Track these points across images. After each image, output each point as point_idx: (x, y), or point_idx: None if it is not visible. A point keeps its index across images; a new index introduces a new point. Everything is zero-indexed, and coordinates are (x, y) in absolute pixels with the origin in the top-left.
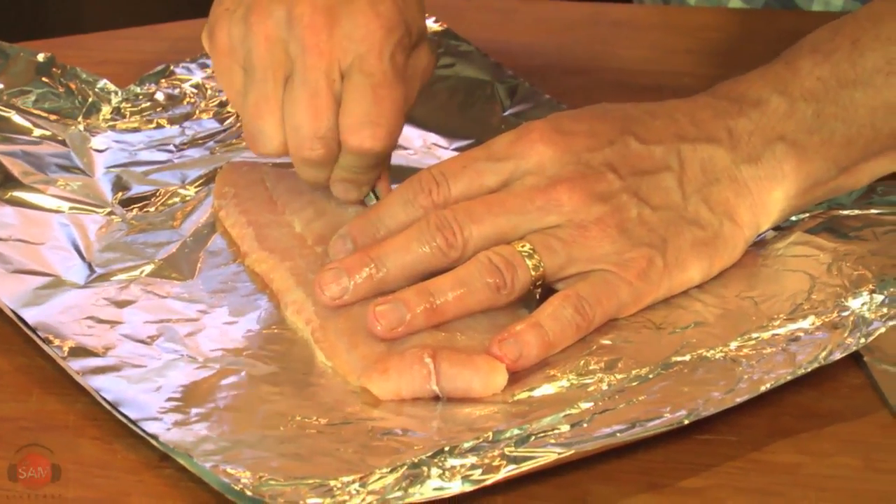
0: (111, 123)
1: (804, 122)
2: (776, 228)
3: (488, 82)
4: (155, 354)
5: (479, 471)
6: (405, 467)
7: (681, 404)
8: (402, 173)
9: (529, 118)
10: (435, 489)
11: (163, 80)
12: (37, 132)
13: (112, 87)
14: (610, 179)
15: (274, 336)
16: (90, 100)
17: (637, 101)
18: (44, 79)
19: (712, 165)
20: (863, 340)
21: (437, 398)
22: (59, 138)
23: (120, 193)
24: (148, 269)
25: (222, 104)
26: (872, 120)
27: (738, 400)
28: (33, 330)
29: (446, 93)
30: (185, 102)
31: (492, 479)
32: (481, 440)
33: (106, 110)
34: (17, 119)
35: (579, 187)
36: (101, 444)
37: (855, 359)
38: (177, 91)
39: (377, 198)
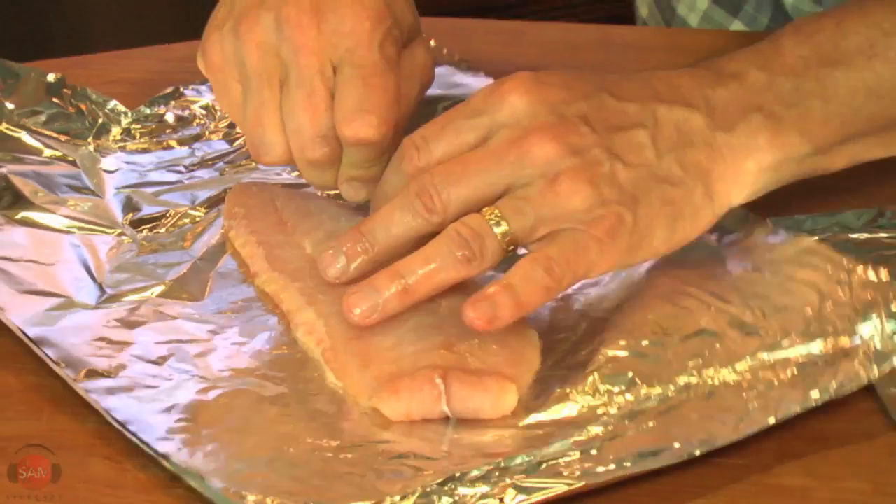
0: (121, 144)
1: (782, 96)
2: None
3: None
4: (166, 375)
5: (490, 500)
6: (416, 495)
7: (691, 434)
8: None
9: None
10: None
11: (172, 102)
12: (47, 152)
13: (122, 108)
14: (583, 132)
15: (284, 357)
16: (100, 121)
17: None
18: (54, 99)
19: (687, 128)
20: (874, 373)
21: (447, 420)
22: (70, 159)
23: (130, 214)
24: (158, 290)
25: (232, 125)
26: (852, 101)
27: (748, 431)
28: (45, 351)
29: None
30: (194, 124)
31: None
32: (492, 467)
33: (116, 131)
34: (28, 139)
35: (551, 136)
36: (112, 464)
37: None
38: (186, 112)
39: None
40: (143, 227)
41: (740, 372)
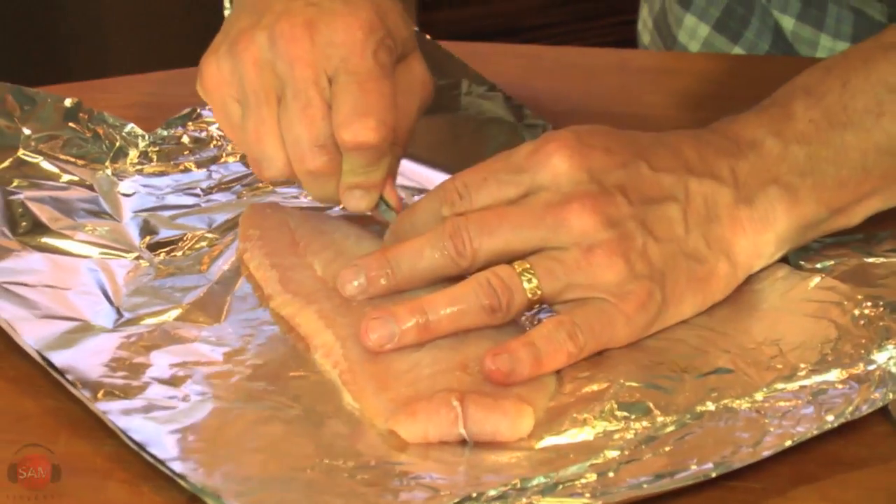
0: (138, 167)
1: (796, 165)
2: (800, 268)
3: (513, 126)
4: (182, 396)
5: None
6: None
7: (707, 457)
8: None
9: None
10: None
11: (189, 124)
12: (65, 178)
13: (139, 131)
14: (619, 203)
15: (301, 379)
16: (117, 144)
17: None
18: (71, 124)
19: (714, 202)
20: (890, 396)
21: (463, 443)
22: (87, 183)
23: (147, 238)
24: (175, 313)
25: None
26: (863, 162)
27: (765, 454)
28: (62, 373)
29: (471, 136)
30: (211, 146)
31: None
32: (508, 487)
33: (133, 154)
34: (45, 165)
35: (589, 207)
36: (129, 487)
37: (880, 409)
38: (203, 134)
39: (388, 206)
40: (160, 250)
41: (757, 401)
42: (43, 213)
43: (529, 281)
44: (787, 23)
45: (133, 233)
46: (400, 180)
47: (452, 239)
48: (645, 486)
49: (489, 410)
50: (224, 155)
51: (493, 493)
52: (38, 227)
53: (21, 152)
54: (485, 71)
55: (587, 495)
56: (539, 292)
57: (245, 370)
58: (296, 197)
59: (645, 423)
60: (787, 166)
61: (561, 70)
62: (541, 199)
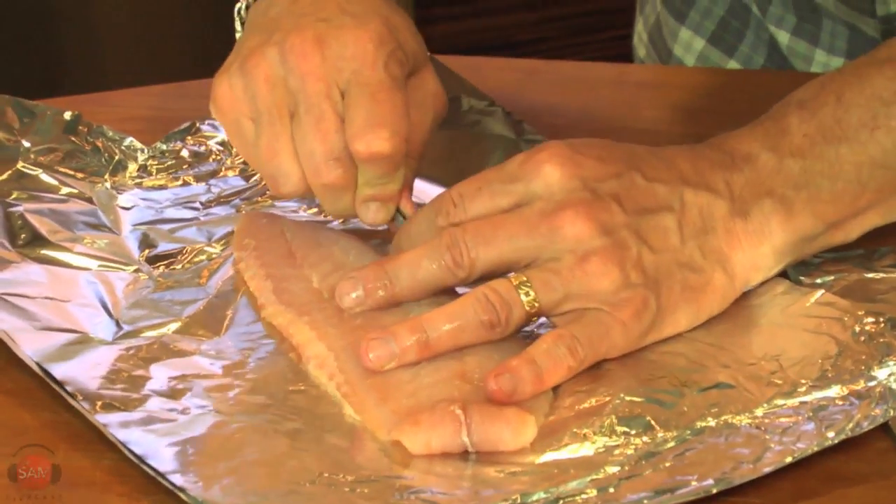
0: (137, 181)
1: (791, 178)
2: (799, 283)
3: (513, 141)
4: (181, 409)
5: None
6: None
7: (707, 472)
8: None
9: None
10: None
11: (189, 138)
12: (64, 190)
13: (138, 144)
14: (614, 211)
15: (300, 392)
16: (116, 157)
17: None
18: (70, 137)
19: (710, 213)
20: (891, 412)
21: (466, 458)
22: (86, 196)
23: (147, 251)
24: (174, 326)
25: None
26: (858, 175)
27: (766, 470)
28: (61, 385)
29: (470, 151)
30: (210, 160)
31: None
32: (509, 502)
33: (132, 168)
34: (45, 177)
35: (583, 214)
36: (128, 501)
37: (881, 425)
38: (202, 148)
39: (405, 219)
40: (159, 263)
41: (758, 416)
42: (42, 226)
43: (527, 294)
44: (783, 37)
45: (132, 246)
46: None
47: (450, 250)
48: (645, 501)
49: (492, 419)
50: (223, 169)
51: None
52: (38, 240)
53: (20, 165)
54: (482, 85)
55: None
56: (537, 305)
57: (245, 383)
58: (295, 211)
59: (645, 439)
60: (782, 179)
61: (558, 84)
62: (535, 209)
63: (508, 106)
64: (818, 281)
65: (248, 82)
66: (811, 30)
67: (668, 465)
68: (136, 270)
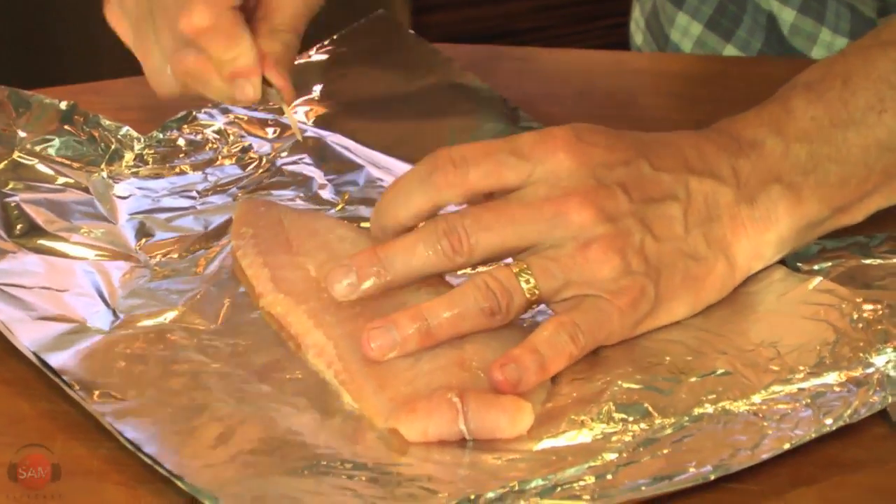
0: (134, 170)
1: (798, 164)
2: (797, 270)
3: (509, 129)
4: (180, 398)
5: None
6: None
7: (705, 459)
8: None
9: None
10: None
11: (185, 126)
12: (60, 180)
13: (134, 133)
14: (620, 199)
15: (298, 380)
16: (113, 147)
17: None
18: (66, 126)
19: (715, 201)
20: (889, 399)
21: (463, 445)
22: (83, 186)
23: (143, 240)
24: (172, 315)
25: (244, 150)
26: (865, 158)
27: (764, 457)
28: (58, 375)
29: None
30: (207, 148)
31: None
32: (507, 489)
33: (129, 157)
34: (41, 167)
35: (590, 202)
36: (126, 490)
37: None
38: (199, 137)
39: (279, 93)
40: (156, 252)
41: (755, 403)
42: (39, 216)
43: (527, 281)
44: (788, 15)
45: (129, 235)
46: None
47: (448, 236)
48: (643, 488)
49: (489, 407)
50: (220, 158)
51: (491, 494)
52: (34, 230)
53: (16, 154)
54: (480, 73)
55: (586, 497)
56: (537, 292)
57: (242, 372)
58: (292, 200)
59: (643, 426)
60: (790, 165)
61: (556, 72)
62: (538, 193)
63: (506, 94)
64: (816, 268)
65: None
66: (817, 8)
67: (665, 451)
68: (133, 260)
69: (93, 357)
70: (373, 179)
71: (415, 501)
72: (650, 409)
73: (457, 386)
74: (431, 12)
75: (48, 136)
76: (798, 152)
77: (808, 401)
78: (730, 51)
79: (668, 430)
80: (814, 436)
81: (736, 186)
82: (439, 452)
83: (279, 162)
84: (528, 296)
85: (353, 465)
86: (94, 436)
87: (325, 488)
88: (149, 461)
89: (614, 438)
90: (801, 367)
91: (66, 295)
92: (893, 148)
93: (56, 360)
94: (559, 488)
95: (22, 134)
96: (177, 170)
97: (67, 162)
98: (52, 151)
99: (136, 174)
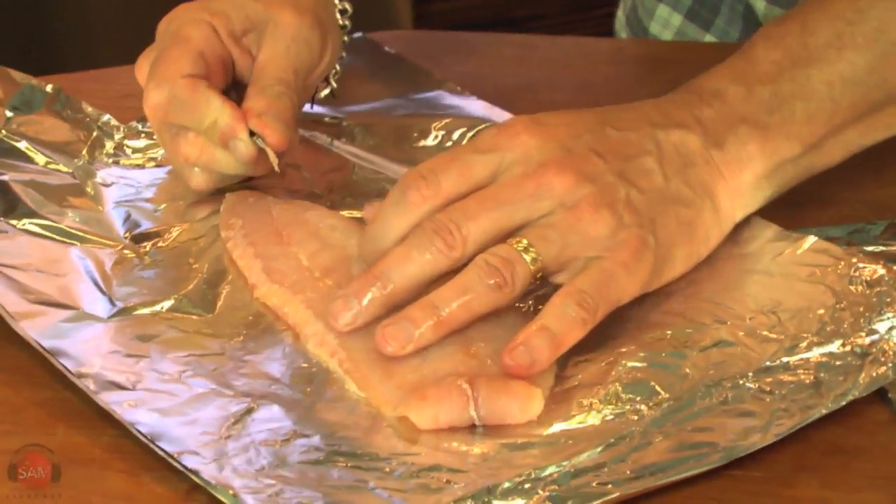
0: (115, 159)
1: (763, 104)
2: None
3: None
4: (184, 388)
5: None
6: None
7: (715, 443)
8: None
9: None
10: None
11: None
12: (44, 161)
13: (115, 122)
14: (595, 162)
15: (301, 368)
16: (94, 134)
17: None
18: (53, 109)
19: (686, 149)
20: (891, 375)
21: (473, 432)
22: (67, 170)
23: (131, 229)
24: (168, 304)
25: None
26: (830, 93)
27: (775, 437)
28: (64, 365)
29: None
30: None
31: None
32: (523, 478)
33: (109, 145)
34: (28, 149)
35: (567, 167)
36: (128, 477)
37: (879, 395)
38: None
39: (262, 139)
40: (145, 242)
41: (761, 378)
42: (27, 197)
43: (527, 251)
44: (759, 5)
45: (116, 223)
46: None
47: (439, 233)
48: (661, 475)
49: (500, 392)
50: None
51: (507, 484)
52: (24, 210)
53: (3, 134)
54: (480, 60)
55: (603, 485)
56: (539, 260)
57: (243, 364)
58: (277, 191)
59: (650, 405)
60: (754, 106)
61: (556, 60)
62: (515, 173)
63: (507, 81)
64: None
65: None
66: None
67: (675, 432)
68: (123, 248)
69: (94, 345)
70: (358, 171)
71: (431, 493)
72: (657, 387)
73: (464, 373)
74: (431, 1)
75: (34, 118)
76: (761, 93)
77: (815, 376)
78: (709, 40)
79: (676, 410)
80: (824, 412)
81: (703, 133)
82: (449, 440)
83: None
84: (531, 266)
85: (368, 456)
86: (96, 424)
87: (337, 479)
88: (162, 454)
89: (623, 419)
90: (804, 335)
91: (62, 280)
92: (857, 81)
93: (58, 346)
94: (574, 474)
95: (8, 114)
96: (157, 162)
97: (52, 144)
98: (38, 133)
99: (117, 163)
